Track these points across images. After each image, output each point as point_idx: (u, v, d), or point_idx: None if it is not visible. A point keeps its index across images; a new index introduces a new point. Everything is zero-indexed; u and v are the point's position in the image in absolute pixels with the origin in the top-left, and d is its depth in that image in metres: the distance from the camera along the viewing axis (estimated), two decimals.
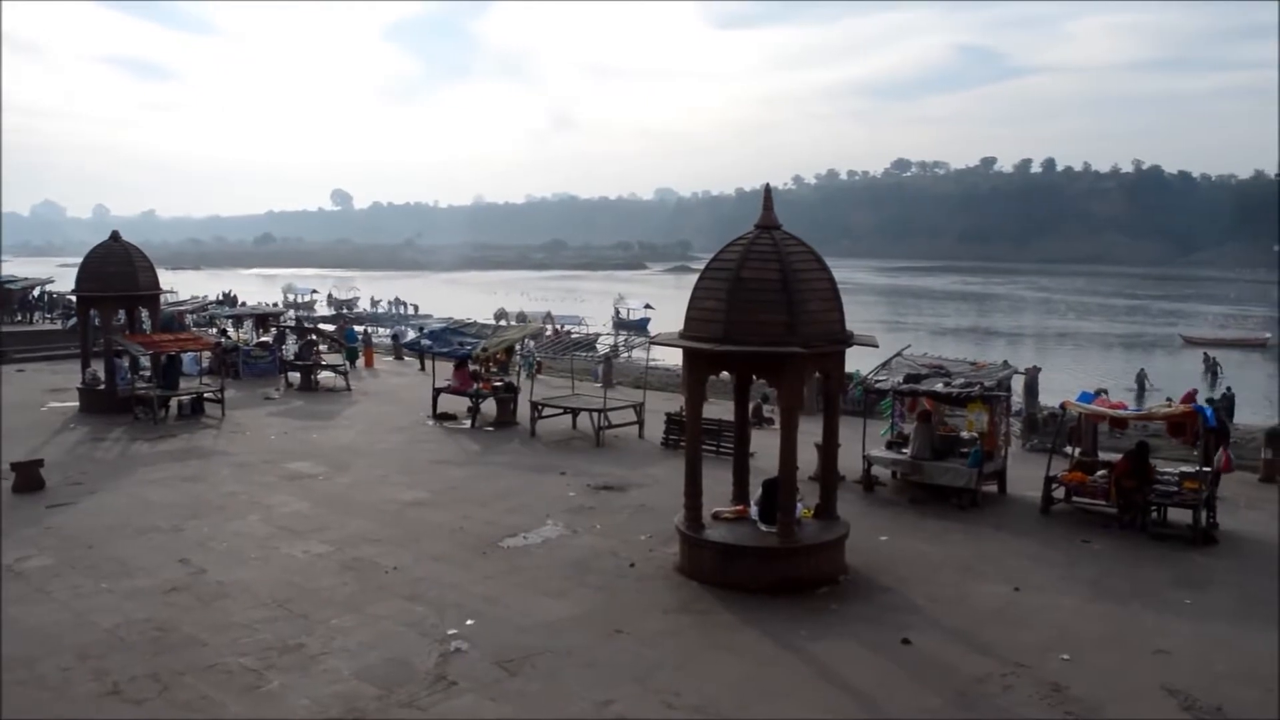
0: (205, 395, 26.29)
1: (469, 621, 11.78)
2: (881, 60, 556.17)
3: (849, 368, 16.46)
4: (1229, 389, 35.52)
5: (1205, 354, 50.89)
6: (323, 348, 34.04)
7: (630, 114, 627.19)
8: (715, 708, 9.77)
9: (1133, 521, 16.45)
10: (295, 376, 31.30)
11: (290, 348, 34.37)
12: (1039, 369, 31.57)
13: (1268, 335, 67.20)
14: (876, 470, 18.96)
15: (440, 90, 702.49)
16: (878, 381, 19.51)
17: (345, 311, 74.34)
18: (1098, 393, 21.95)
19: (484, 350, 26.27)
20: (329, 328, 44.50)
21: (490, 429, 24.41)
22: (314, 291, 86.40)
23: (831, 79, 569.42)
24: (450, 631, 11.47)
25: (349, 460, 20.65)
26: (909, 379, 19.09)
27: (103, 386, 26.49)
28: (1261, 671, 10.94)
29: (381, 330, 56.40)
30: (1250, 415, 30.64)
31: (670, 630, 11.78)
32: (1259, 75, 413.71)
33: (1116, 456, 18.09)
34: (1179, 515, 16.39)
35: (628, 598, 12.83)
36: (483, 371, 26.41)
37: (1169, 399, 22.49)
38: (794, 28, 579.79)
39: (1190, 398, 18.94)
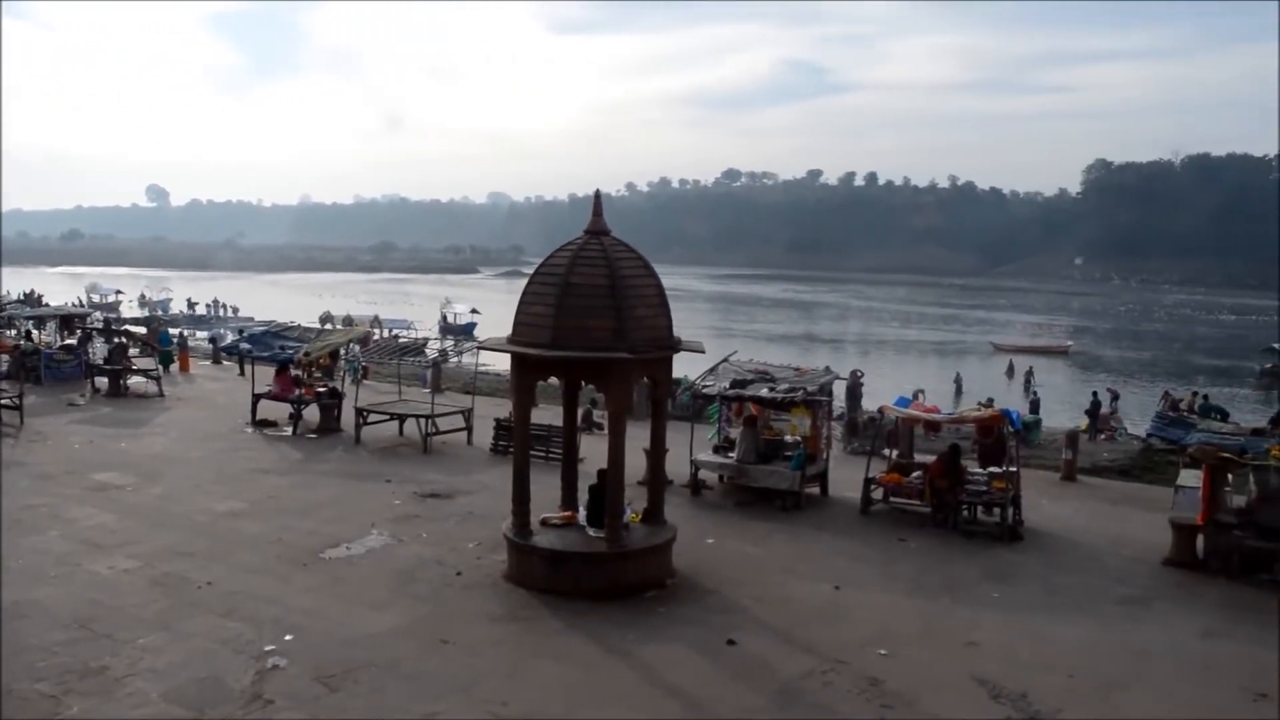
0: (1, 402, 24.66)
1: (288, 637, 11.36)
2: (713, 71, 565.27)
3: (677, 373, 16.63)
4: (1036, 393, 37.60)
5: (1010, 361, 53.75)
6: (134, 351, 32.41)
7: (464, 117, 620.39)
8: (542, 715, 9.71)
9: (946, 520, 17.18)
10: (103, 382, 29.68)
11: (98, 351, 32.57)
12: (861, 373, 32.65)
13: (1069, 343, 71.44)
14: (704, 474, 19.23)
15: (265, 85, 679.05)
16: (705, 387, 19.82)
17: (160, 313, 71.05)
18: (915, 394, 22.86)
19: (307, 354, 25.50)
20: (141, 330, 42.41)
21: (313, 436, 23.70)
22: (119, 292, 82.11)
23: (665, 88, 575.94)
24: (268, 648, 11.03)
25: (160, 470, 19.68)
26: (735, 384, 19.45)
27: None
28: (1062, 659, 11.58)
29: (199, 333, 54.13)
30: (1051, 419, 32.33)
31: (497, 638, 11.66)
32: (1063, 99, 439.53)
33: (932, 458, 18.84)
34: (988, 513, 17.23)
35: (454, 607, 12.63)
36: (305, 376, 25.62)
37: (979, 403, 23.59)
38: (628, 35, 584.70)
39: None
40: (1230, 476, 16.17)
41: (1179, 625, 12.97)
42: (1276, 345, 59.34)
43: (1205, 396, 33.70)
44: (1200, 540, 15.50)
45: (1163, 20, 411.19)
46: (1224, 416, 25.07)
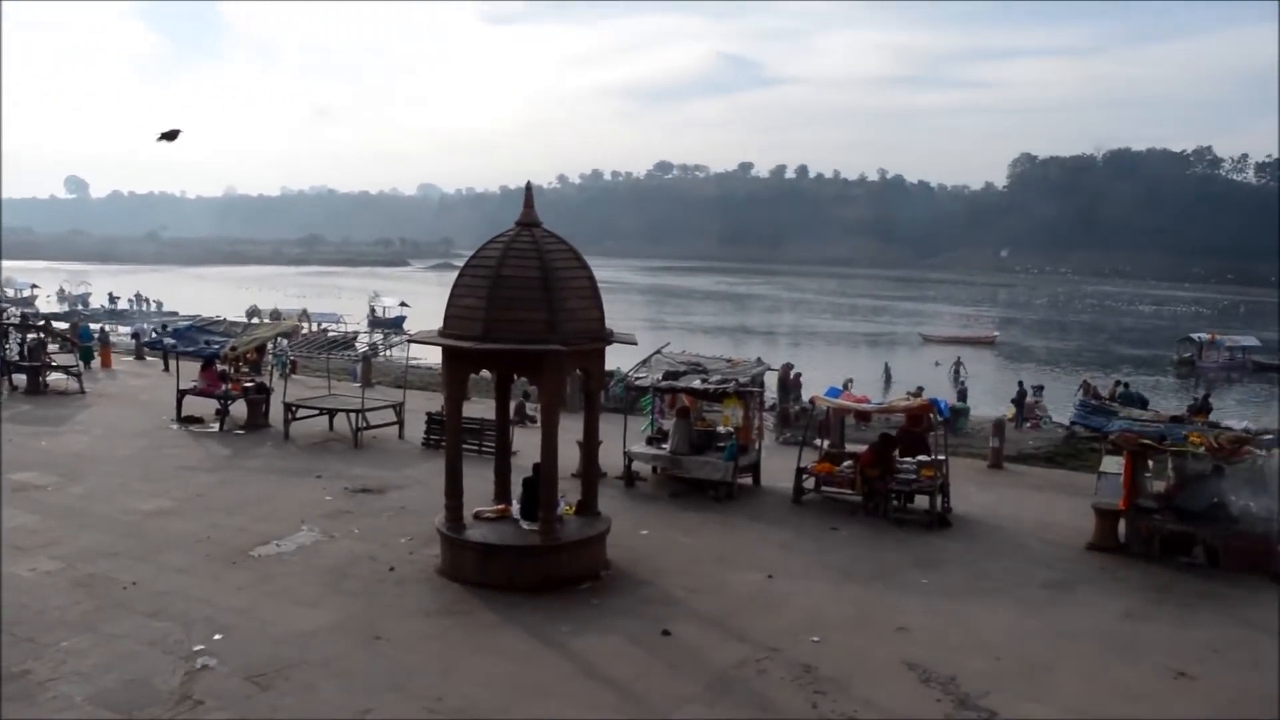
0: None
1: (217, 636, 11.18)
2: (647, 64, 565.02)
3: (610, 365, 16.66)
4: (964, 383, 38.22)
5: (937, 359, 54.53)
6: (54, 347, 31.60)
7: (394, 108, 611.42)
8: (478, 710, 9.68)
9: (876, 508, 17.41)
10: (21, 379, 28.91)
11: (13, 347, 31.66)
12: (792, 366, 32.91)
13: (996, 333, 72.68)
14: (637, 466, 19.27)
15: (188, 74, 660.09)
16: (638, 379, 19.86)
17: (81, 308, 69.31)
18: (845, 384, 23.08)
19: (233, 349, 25.07)
20: (62, 325, 41.36)
21: (240, 432, 23.32)
22: (34, 286, 79.87)
23: (598, 80, 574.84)
24: (197, 647, 10.85)
25: (83, 468, 19.22)
26: (668, 376, 19.51)
27: None
28: (989, 642, 11.83)
29: (121, 328, 52.93)
30: (978, 408, 32.86)
31: (432, 634, 11.59)
32: (988, 94, 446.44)
33: (863, 448, 19.08)
34: (918, 501, 17.52)
35: (387, 602, 12.53)
36: (232, 371, 25.20)
37: (908, 392, 23.96)
38: (562, 27, 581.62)
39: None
40: (1150, 463, 16.62)
41: (1102, 607, 13.30)
42: (1192, 336, 60.87)
43: (1126, 385, 34.50)
44: (1122, 525, 15.92)
45: (1079, 18, 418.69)
46: (1144, 404, 25.70)
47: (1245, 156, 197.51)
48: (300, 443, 22.33)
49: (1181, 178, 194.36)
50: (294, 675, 10.27)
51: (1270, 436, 15.50)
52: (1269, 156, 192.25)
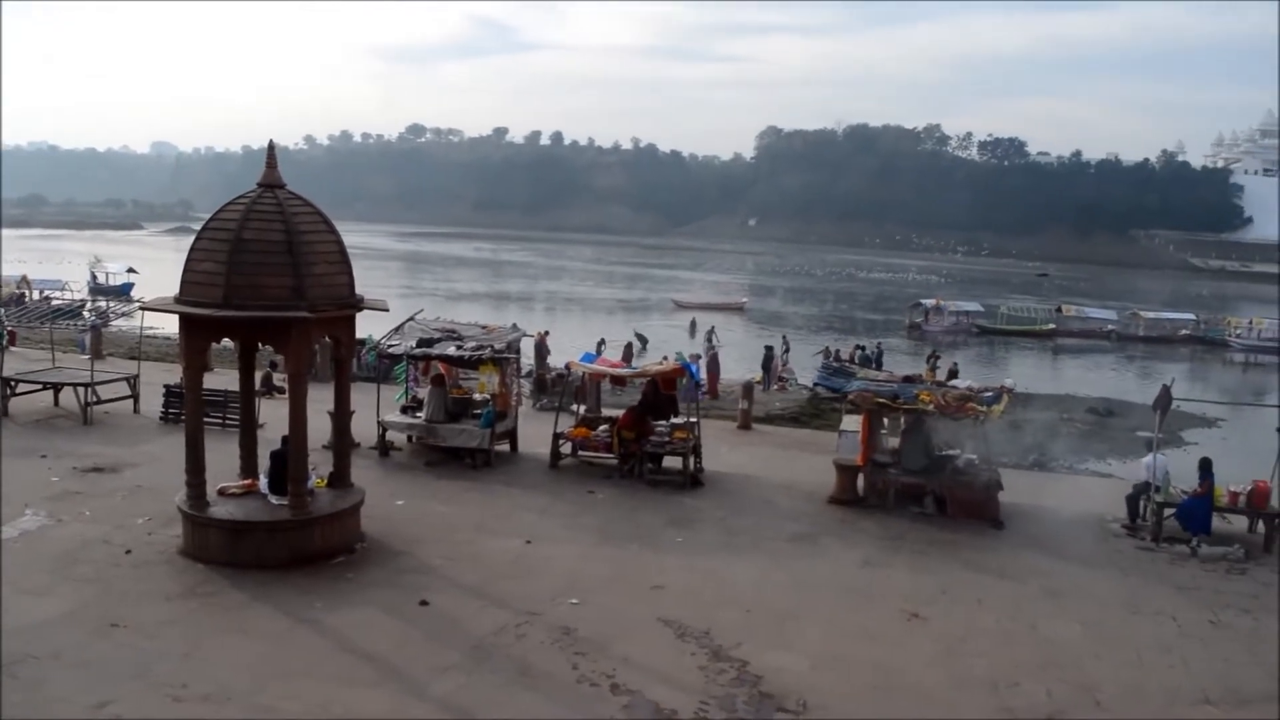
0: None
1: None
2: (396, 23, 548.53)
3: (362, 333, 16.25)
4: (715, 347, 39.43)
5: (693, 320, 56.05)
6: None
7: (120, 55, 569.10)
8: (227, 693, 9.33)
9: (632, 470, 17.79)
10: None
11: None
12: (547, 333, 33.04)
13: (744, 300, 75.33)
14: (392, 435, 18.93)
15: None
16: (391, 346, 19.47)
17: None
18: (598, 346, 23.35)
19: None
20: None
21: None
22: None
23: (346, 38, 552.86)
24: None
25: None
26: (422, 343, 19.21)
27: None
28: (740, 595, 12.39)
29: None
30: (729, 372, 34.00)
31: (174, 618, 11.05)
32: (737, 68, 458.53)
33: (620, 412, 19.42)
34: (672, 462, 18.00)
35: (124, 587, 11.84)
36: None
37: (665, 356, 24.56)
38: None
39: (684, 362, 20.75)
40: (885, 420, 17.71)
41: (843, 557, 14.14)
42: (921, 301, 65.07)
43: (865, 348, 36.55)
44: (860, 479, 16.92)
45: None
46: (879, 366, 27.38)
47: (970, 135, 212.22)
48: (21, 420, 20.65)
49: (914, 153, 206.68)
50: (21, 671, 9.56)
51: (991, 394, 16.79)
52: (990, 136, 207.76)
